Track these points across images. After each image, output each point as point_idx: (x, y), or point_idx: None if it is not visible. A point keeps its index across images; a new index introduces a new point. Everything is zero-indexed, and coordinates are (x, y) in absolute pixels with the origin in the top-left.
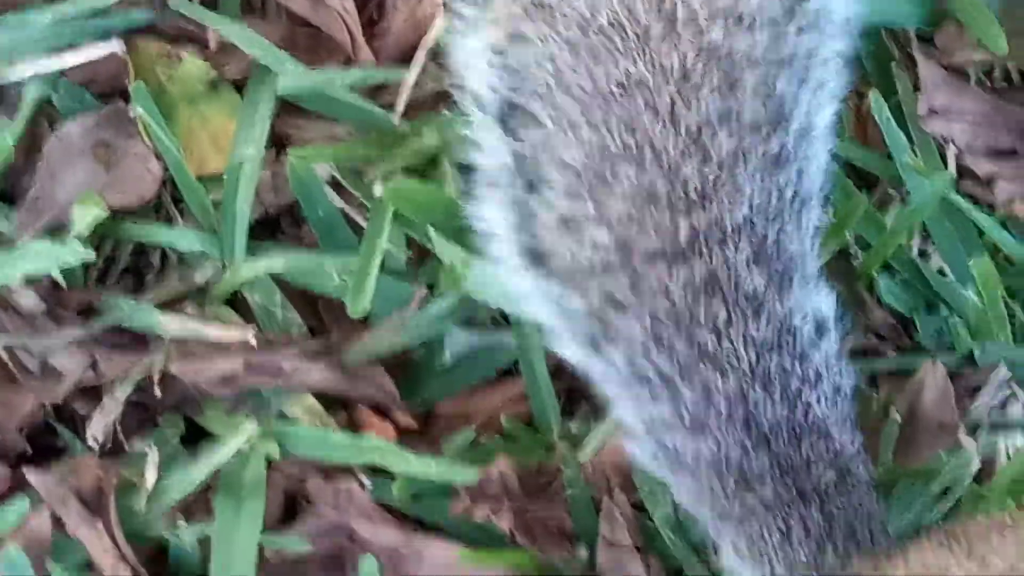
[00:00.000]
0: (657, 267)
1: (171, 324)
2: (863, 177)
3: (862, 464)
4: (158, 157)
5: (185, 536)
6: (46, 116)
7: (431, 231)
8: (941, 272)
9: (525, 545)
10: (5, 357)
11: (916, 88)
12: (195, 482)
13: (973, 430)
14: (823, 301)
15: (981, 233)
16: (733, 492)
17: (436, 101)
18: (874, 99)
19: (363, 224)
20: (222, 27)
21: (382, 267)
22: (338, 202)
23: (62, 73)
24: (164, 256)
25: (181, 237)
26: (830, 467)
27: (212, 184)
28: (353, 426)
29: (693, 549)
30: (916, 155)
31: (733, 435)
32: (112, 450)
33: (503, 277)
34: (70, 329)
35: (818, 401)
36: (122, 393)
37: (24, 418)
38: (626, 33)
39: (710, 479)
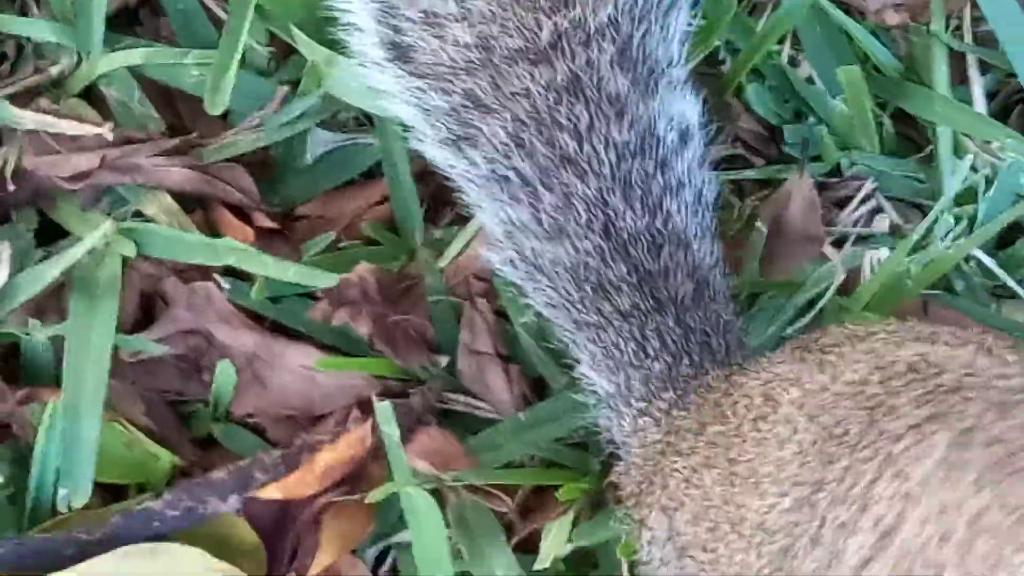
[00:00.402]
0: (519, 67)
1: (25, 117)
2: None
3: (721, 275)
4: None
5: (38, 335)
6: None
7: (293, 27)
8: (810, 80)
9: (384, 351)
10: None
11: None
12: (48, 280)
13: (839, 242)
14: (688, 107)
15: (851, 40)
16: (590, 300)
17: None
18: None
19: (223, 17)
20: None
21: (242, 63)
22: None
23: None
24: (19, 48)
25: (36, 27)
26: (688, 278)
27: None
28: (211, 227)
29: (555, 358)
30: None
31: (591, 241)
32: None
33: (366, 74)
34: None
35: (679, 210)
36: None
37: None
38: None
39: (568, 286)
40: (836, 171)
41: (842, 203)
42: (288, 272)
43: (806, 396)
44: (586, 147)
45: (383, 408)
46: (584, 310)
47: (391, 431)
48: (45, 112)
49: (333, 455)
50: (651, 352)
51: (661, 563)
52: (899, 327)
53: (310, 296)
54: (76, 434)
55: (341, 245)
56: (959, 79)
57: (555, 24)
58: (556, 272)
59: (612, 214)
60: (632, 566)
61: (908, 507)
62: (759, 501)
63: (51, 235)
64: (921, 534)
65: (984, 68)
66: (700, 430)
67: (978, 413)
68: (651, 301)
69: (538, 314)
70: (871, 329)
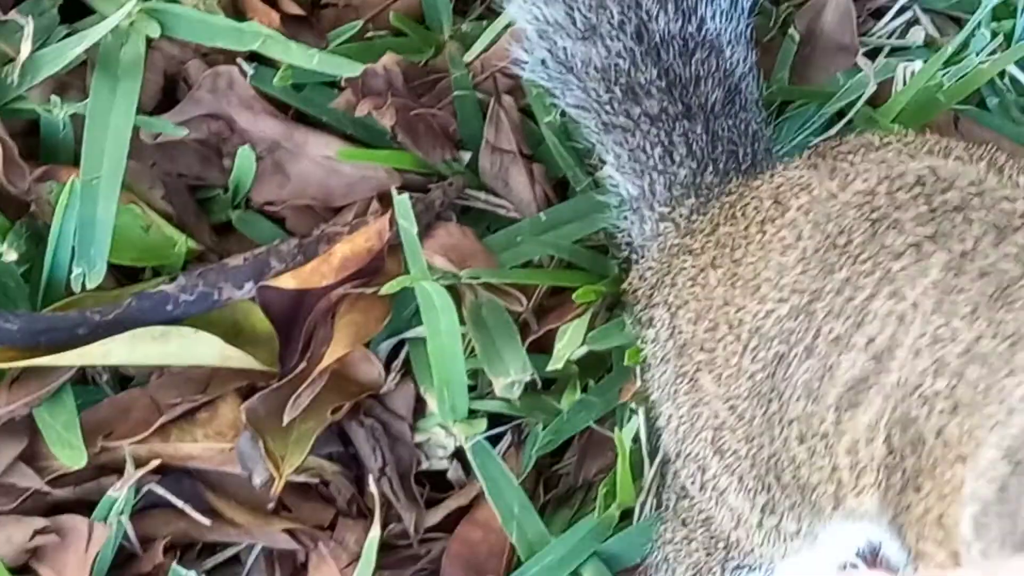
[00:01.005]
0: None
1: None
2: None
3: (753, 84)
4: None
5: (58, 112)
6: None
7: None
8: None
9: (406, 144)
10: None
11: None
12: (71, 57)
13: (873, 53)
14: None
15: None
16: (620, 102)
17: None
18: None
19: None
20: None
21: None
22: None
23: None
24: None
25: None
26: (719, 85)
27: None
28: (237, 11)
29: (578, 159)
30: None
31: (623, 43)
32: None
33: None
34: None
35: (713, 16)
36: None
37: None
38: None
39: (598, 87)
40: None
41: (878, 13)
42: (312, 59)
43: (814, 202)
44: None
45: (402, 201)
46: (613, 112)
47: (409, 224)
48: None
49: (350, 246)
50: (677, 158)
51: (661, 361)
52: (915, 139)
53: (334, 86)
54: (92, 214)
55: (368, 35)
56: None
57: None
58: (587, 73)
59: (645, 16)
60: (643, 371)
61: (900, 330)
62: (758, 305)
63: (75, 12)
64: (916, 368)
65: None
66: (712, 231)
67: (977, 236)
68: (680, 106)
69: (563, 114)
70: (886, 139)
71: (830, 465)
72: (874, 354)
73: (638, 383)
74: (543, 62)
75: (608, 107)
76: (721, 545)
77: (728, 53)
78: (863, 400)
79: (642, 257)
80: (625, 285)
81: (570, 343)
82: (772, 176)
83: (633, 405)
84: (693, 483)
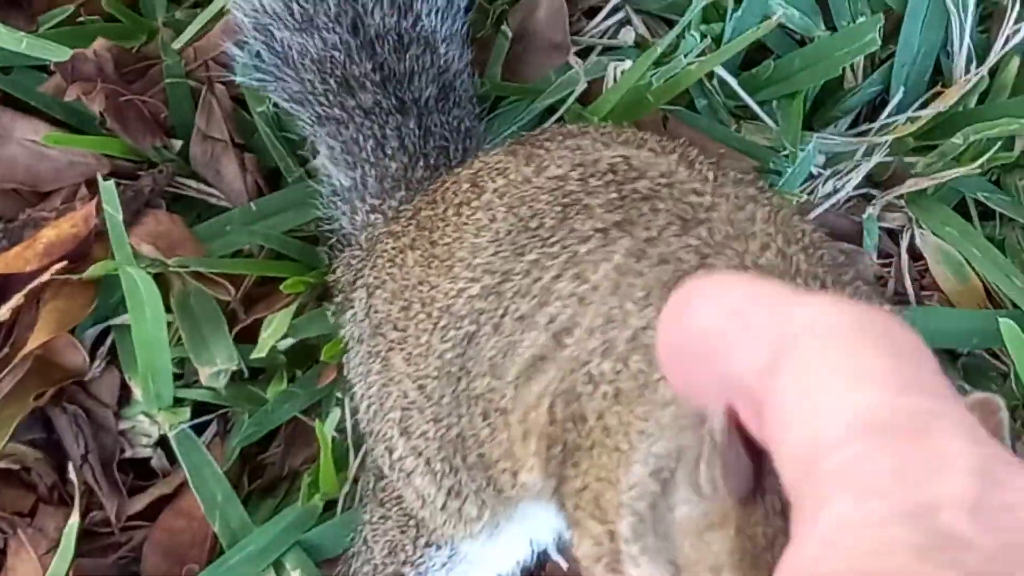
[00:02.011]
0: None
1: None
2: None
3: (468, 81)
4: None
5: None
6: None
7: None
8: None
9: (116, 130)
10: None
11: None
12: None
13: (584, 53)
14: None
15: None
16: (334, 94)
17: None
18: None
19: None
20: None
21: None
22: None
23: None
24: None
25: None
26: (433, 82)
27: None
28: None
29: (291, 148)
30: None
31: (340, 35)
32: None
33: None
34: None
35: (429, 13)
36: None
37: None
38: None
39: (313, 79)
40: None
41: (591, 13)
42: (21, 43)
43: (509, 186)
44: None
45: (108, 187)
46: (327, 104)
47: (115, 211)
48: None
49: (56, 232)
50: (389, 151)
51: (357, 341)
52: (612, 129)
53: (44, 70)
54: None
55: (80, 20)
56: None
57: None
58: (303, 64)
59: (361, 10)
60: (340, 368)
61: (579, 311)
62: (450, 284)
63: None
64: (587, 347)
65: None
66: (413, 214)
67: (662, 225)
68: (394, 100)
69: (276, 104)
70: (584, 128)
71: (507, 439)
72: (554, 332)
73: (340, 373)
74: (258, 54)
75: (323, 99)
76: (412, 523)
77: (443, 50)
78: (538, 374)
79: (350, 246)
80: (331, 275)
81: (275, 332)
82: (472, 162)
83: (339, 395)
84: (383, 463)
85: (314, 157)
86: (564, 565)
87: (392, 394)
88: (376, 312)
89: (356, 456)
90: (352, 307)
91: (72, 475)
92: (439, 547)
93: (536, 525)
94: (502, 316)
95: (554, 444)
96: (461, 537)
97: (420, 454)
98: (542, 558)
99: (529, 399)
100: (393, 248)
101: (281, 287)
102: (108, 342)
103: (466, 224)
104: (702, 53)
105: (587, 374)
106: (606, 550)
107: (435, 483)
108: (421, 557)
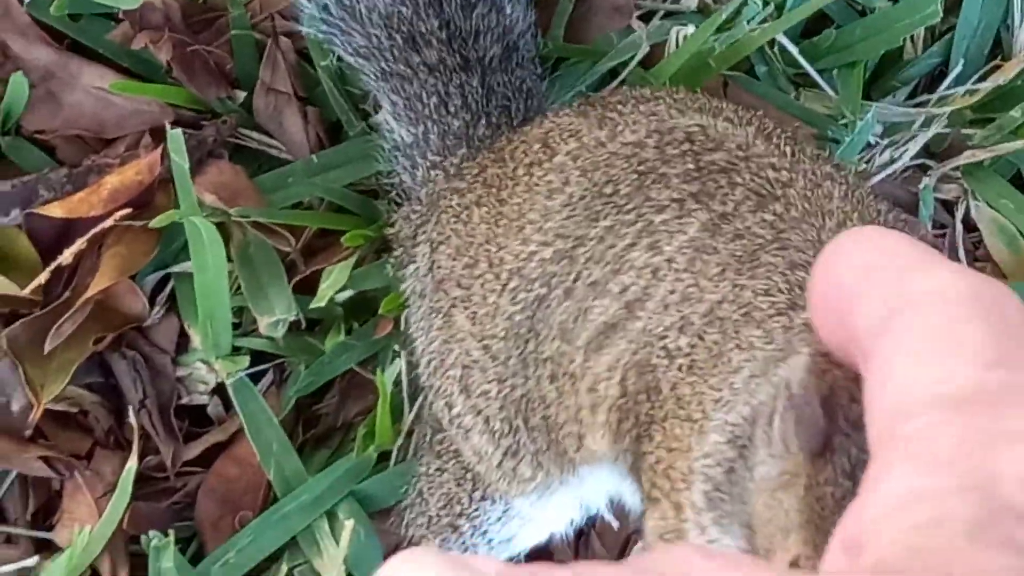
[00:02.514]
0: None
1: None
2: None
3: (531, 42)
4: None
5: None
6: None
7: None
8: None
9: (181, 80)
10: None
11: None
12: None
13: (647, 16)
14: None
15: None
16: (400, 50)
17: None
18: None
19: None
20: None
21: None
22: None
23: None
24: None
25: None
26: (498, 41)
27: None
28: None
29: (353, 103)
30: None
31: None
32: None
33: None
34: None
35: None
36: None
37: None
38: None
39: (379, 34)
40: None
41: None
42: None
43: (582, 149)
44: None
45: (175, 136)
46: (392, 60)
47: (181, 159)
48: None
49: (120, 179)
50: (452, 108)
51: (419, 296)
52: (686, 95)
53: (111, 17)
54: None
55: None
56: None
57: None
58: (370, 19)
59: None
60: (398, 321)
61: (653, 283)
62: (520, 246)
63: None
64: (662, 321)
65: None
66: (479, 171)
67: (739, 200)
68: (458, 58)
69: (340, 59)
70: (657, 93)
71: (575, 404)
72: (626, 302)
73: (399, 326)
74: (325, 7)
75: (388, 54)
76: (469, 476)
77: (508, 10)
78: (609, 343)
79: (409, 201)
80: (390, 228)
81: (334, 283)
82: (542, 121)
83: (397, 348)
84: (443, 417)
85: (376, 112)
86: (615, 524)
87: (454, 351)
88: (439, 268)
89: (411, 409)
90: (414, 262)
91: (131, 419)
92: (494, 501)
93: (591, 489)
94: (574, 281)
95: (625, 418)
96: (515, 495)
97: (479, 412)
98: (594, 517)
99: (599, 369)
100: (458, 204)
101: (341, 240)
102: (168, 289)
103: (537, 185)
104: (764, 20)
105: (663, 348)
106: (671, 525)
107: (493, 442)
108: (476, 510)
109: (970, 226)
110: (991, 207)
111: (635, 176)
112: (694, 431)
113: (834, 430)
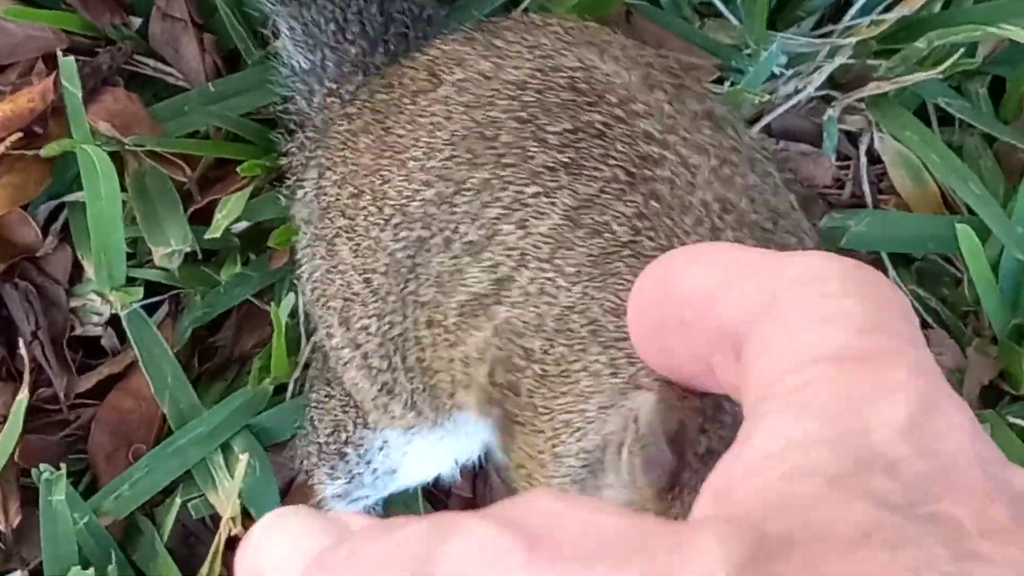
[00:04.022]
0: None
1: None
2: None
3: None
4: None
5: None
6: None
7: None
8: None
9: (75, 5)
10: None
11: None
12: None
13: None
14: None
15: None
16: None
17: None
18: None
19: None
20: None
21: None
22: None
23: None
24: None
25: None
26: None
27: None
28: None
29: (251, 30)
30: None
31: None
32: None
33: None
34: None
35: None
36: None
37: None
38: None
39: None
40: None
41: None
42: None
43: (467, 82)
44: None
45: (67, 63)
46: None
47: (73, 87)
48: None
49: (12, 106)
50: (350, 36)
51: (305, 223)
52: (576, 26)
53: None
54: None
55: None
56: None
57: None
58: None
59: None
60: (293, 252)
61: (517, 269)
62: (403, 181)
63: None
64: (521, 315)
65: None
66: (369, 97)
67: (607, 179)
68: None
69: None
70: (548, 20)
71: (448, 357)
72: (495, 279)
73: (292, 258)
74: None
75: None
76: (353, 403)
77: None
78: (480, 319)
79: (305, 130)
80: (285, 158)
81: (229, 213)
82: (431, 47)
83: (294, 280)
84: (324, 346)
85: (275, 38)
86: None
87: (336, 282)
88: (325, 195)
89: (308, 342)
90: (303, 187)
91: (22, 351)
92: (374, 431)
93: (468, 434)
94: (453, 232)
95: (494, 405)
96: (388, 428)
97: (359, 347)
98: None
99: (470, 349)
100: (346, 130)
101: (237, 169)
102: (61, 219)
103: (422, 117)
104: None
105: (522, 348)
106: None
107: (369, 377)
108: (361, 439)
109: (874, 158)
110: (896, 139)
111: (516, 124)
112: (547, 451)
113: (683, 467)
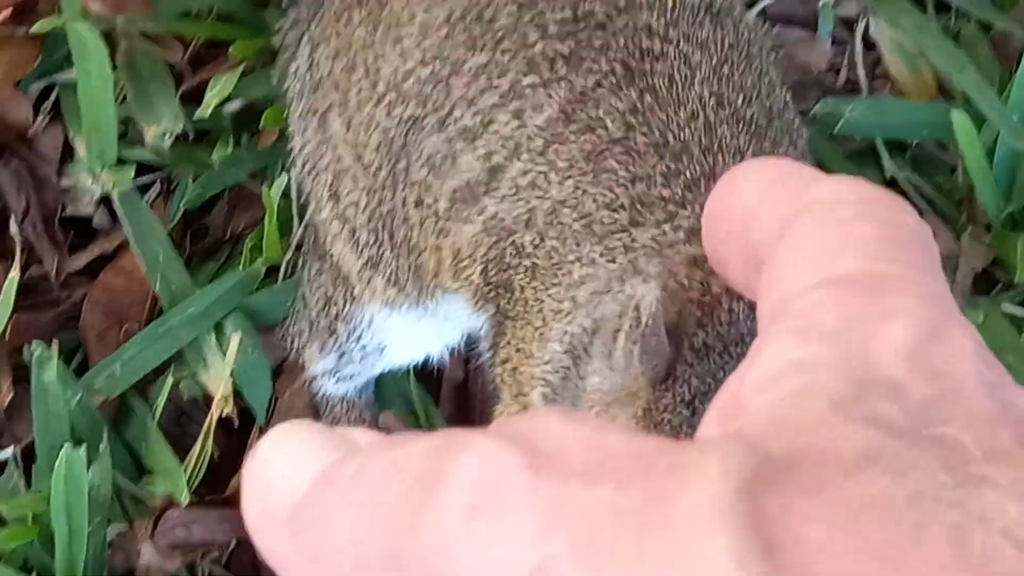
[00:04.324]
0: None
1: None
2: None
3: None
4: None
5: None
6: None
7: None
8: None
9: None
10: None
11: None
12: None
13: None
14: None
15: None
16: None
17: None
18: None
19: None
20: None
21: None
22: None
23: None
24: None
25: None
26: None
27: None
28: None
29: None
30: None
31: None
32: None
33: None
34: None
35: None
36: None
37: None
38: None
39: None
40: None
41: None
42: None
43: None
44: None
45: None
46: None
47: None
48: None
49: None
50: None
51: (298, 96)
52: None
53: None
54: None
55: None
56: None
57: None
58: None
59: None
60: (284, 132)
61: (511, 158)
62: (398, 58)
63: None
64: (511, 210)
65: None
66: None
67: (604, 73)
68: None
69: None
70: None
71: (435, 245)
72: (489, 168)
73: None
74: None
75: None
76: (342, 277)
77: None
78: (471, 209)
79: (298, 7)
80: (277, 36)
81: (220, 92)
82: None
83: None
84: (313, 219)
85: None
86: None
87: (326, 156)
88: (318, 67)
89: (300, 223)
90: (296, 62)
91: (13, 229)
92: (361, 306)
93: (453, 316)
94: (448, 114)
95: (488, 302)
96: (373, 304)
97: (347, 221)
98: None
99: (462, 241)
100: (341, 3)
101: (230, 50)
102: (53, 98)
103: None
104: None
105: (513, 245)
106: None
107: (355, 251)
108: (350, 314)
109: (870, 44)
110: (892, 25)
111: (515, 7)
112: (535, 337)
113: (678, 359)
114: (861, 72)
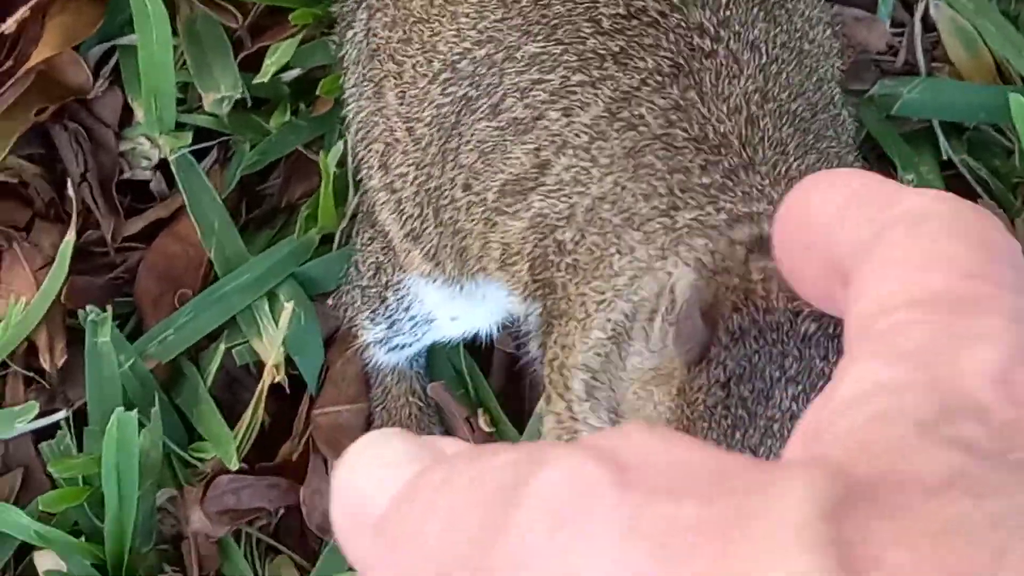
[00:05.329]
0: None
1: None
2: None
3: None
4: None
5: None
6: None
7: None
8: None
9: None
10: None
11: None
12: None
13: None
14: None
15: None
16: None
17: None
18: None
19: None
20: None
21: None
22: None
23: None
24: None
25: None
26: None
27: None
28: None
29: None
30: None
31: None
32: None
33: None
34: None
35: None
36: None
37: None
38: None
39: None
40: None
41: None
42: None
43: None
44: None
45: None
46: None
47: None
48: None
49: None
50: None
51: (354, 63)
52: None
53: None
54: None
55: None
56: None
57: None
58: None
59: None
60: (339, 100)
61: (557, 155)
62: (453, 36)
63: None
64: (554, 206)
65: None
66: None
67: (648, 72)
68: None
69: None
70: None
71: (482, 232)
72: (537, 164)
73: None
74: None
75: None
76: (391, 245)
77: None
78: (520, 204)
79: None
80: (335, 5)
81: (279, 60)
82: None
83: (343, 130)
84: (362, 186)
85: None
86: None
87: (379, 125)
88: (375, 36)
89: (355, 192)
90: (353, 28)
91: (71, 192)
92: (407, 275)
93: (483, 305)
94: (501, 100)
95: (535, 300)
96: (413, 276)
97: (394, 191)
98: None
99: (511, 239)
100: None
101: (289, 17)
102: (112, 62)
103: None
104: None
105: (555, 242)
106: (565, 428)
107: (399, 221)
108: (400, 283)
109: (929, 25)
110: (951, 6)
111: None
112: (578, 329)
113: (713, 341)
114: (919, 53)
